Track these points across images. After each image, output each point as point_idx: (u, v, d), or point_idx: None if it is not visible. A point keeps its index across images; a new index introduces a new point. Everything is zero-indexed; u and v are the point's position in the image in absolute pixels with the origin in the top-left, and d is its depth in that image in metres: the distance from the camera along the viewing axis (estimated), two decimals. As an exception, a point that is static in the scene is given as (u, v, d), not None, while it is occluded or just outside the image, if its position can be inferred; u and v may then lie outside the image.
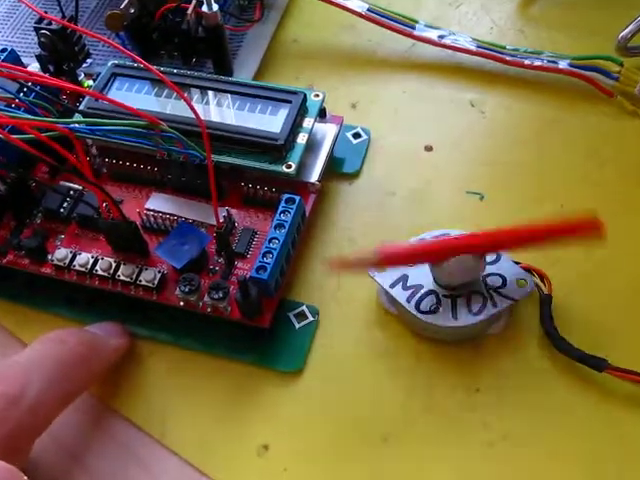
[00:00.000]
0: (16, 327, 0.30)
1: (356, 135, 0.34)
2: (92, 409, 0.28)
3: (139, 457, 0.27)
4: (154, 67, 0.29)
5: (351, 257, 0.26)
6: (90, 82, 0.35)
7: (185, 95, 0.30)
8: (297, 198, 0.28)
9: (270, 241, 0.27)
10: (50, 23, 0.32)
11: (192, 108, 0.25)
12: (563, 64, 0.35)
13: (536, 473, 0.25)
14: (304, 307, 0.29)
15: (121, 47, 0.26)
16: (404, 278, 0.28)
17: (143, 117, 0.24)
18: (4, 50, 0.34)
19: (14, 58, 0.35)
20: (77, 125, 0.25)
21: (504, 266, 0.28)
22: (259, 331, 0.28)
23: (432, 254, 0.26)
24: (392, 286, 0.28)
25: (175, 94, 0.31)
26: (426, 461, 0.26)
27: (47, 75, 0.33)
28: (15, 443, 0.23)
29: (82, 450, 0.27)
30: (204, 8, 0.33)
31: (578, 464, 0.25)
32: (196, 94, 0.31)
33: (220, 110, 0.30)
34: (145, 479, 0.26)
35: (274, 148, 0.29)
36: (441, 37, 0.37)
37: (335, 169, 0.33)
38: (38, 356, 0.25)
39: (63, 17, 0.34)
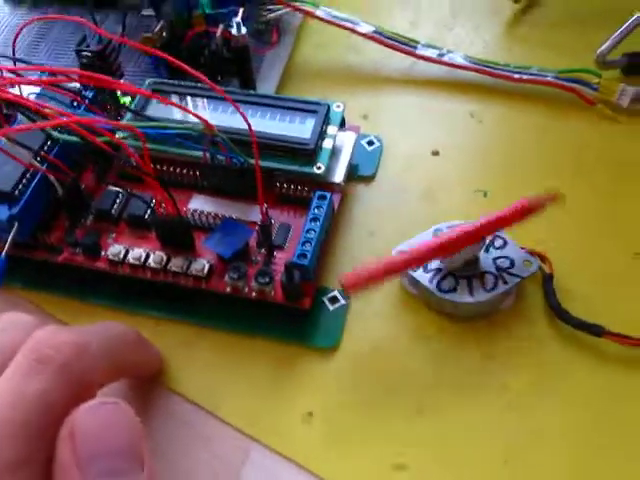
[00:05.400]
0: (71, 319, 0.33)
1: (370, 142, 0.38)
2: (149, 389, 0.31)
3: (196, 429, 0.30)
4: (196, 84, 0.33)
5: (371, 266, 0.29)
6: (127, 99, 0.38)
7: (229, 109, 0.34)
8: (328, 194, 0.32)
9: (307, 232, 0.31)
10: (88, 45, 0.36)
11: (246, 119, 0.29)
12: (549, 77, 0.39)
13: (550, 422, 0.29)
14: (336, 292, 0.33)
15: (190, 69, 0.27)
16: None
17: (202, 121, 0.28)
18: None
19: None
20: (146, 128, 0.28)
21: (511, 250, 0.32)
22: (297, 315, 0.31)
23: (442, 251, 0.30)
24: (414, 269, 0.32)
25: (210, 107, 0.35)
26: (457, 427, 0.29)
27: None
28: (81, 394, 0.22)
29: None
30: (233, 31, 0.37)
31: (584, 412, 0.29)
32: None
33: (255, 120, 0.34)
34: (201, 446, 0.29)
35: (306, 152, 0.33)
36: (440, 55, 0.41)
37: (353, 173, 0.37)
38: (93, 328, 0.27)
39: (100, 41, 0.37)
